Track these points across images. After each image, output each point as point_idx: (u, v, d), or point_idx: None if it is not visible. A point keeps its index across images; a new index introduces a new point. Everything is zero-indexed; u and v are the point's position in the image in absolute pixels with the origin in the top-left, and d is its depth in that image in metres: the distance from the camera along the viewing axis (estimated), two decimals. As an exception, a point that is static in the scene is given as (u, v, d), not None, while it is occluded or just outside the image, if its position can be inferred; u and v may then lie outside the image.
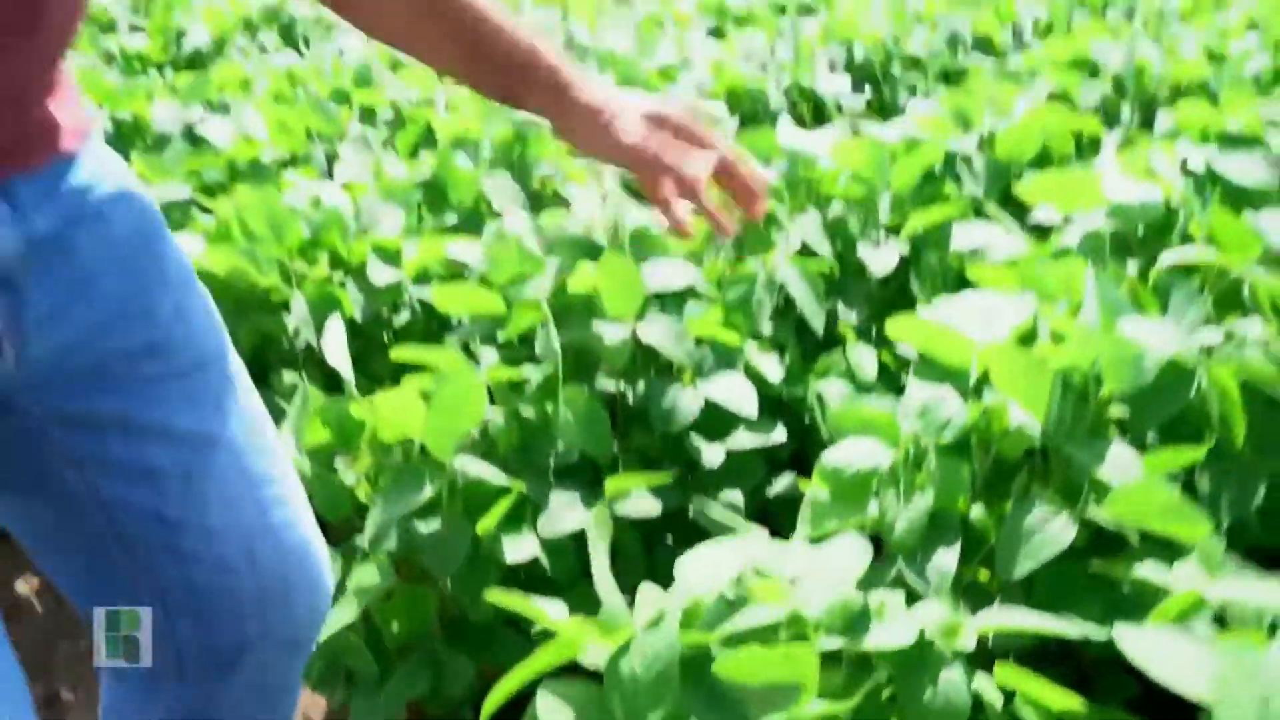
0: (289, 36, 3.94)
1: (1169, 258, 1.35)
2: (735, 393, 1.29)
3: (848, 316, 1.60)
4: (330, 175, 2.11)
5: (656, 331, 1.32)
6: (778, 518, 1.36)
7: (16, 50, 0.67)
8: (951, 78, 2.69)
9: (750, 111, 2.32)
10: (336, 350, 1.24)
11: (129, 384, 0.79)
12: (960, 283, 1.53)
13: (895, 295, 1.65)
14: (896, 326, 1.05)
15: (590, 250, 1.47)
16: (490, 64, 0.94)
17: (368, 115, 2.47)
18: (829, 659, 0.75)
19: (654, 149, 0.91)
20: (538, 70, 0.93)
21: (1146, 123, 2.23)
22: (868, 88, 2.57)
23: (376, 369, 1.60)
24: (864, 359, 1.40)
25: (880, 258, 1.57)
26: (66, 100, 0.76)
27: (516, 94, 0.96)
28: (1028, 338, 1.10)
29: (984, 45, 2.95)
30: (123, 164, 0.82)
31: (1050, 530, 0.88)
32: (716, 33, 3.25)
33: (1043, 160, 1.88)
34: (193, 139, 2.25)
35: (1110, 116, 2.31)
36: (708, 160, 0.92)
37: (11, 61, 0.68)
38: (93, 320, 0.76)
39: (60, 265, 0.73)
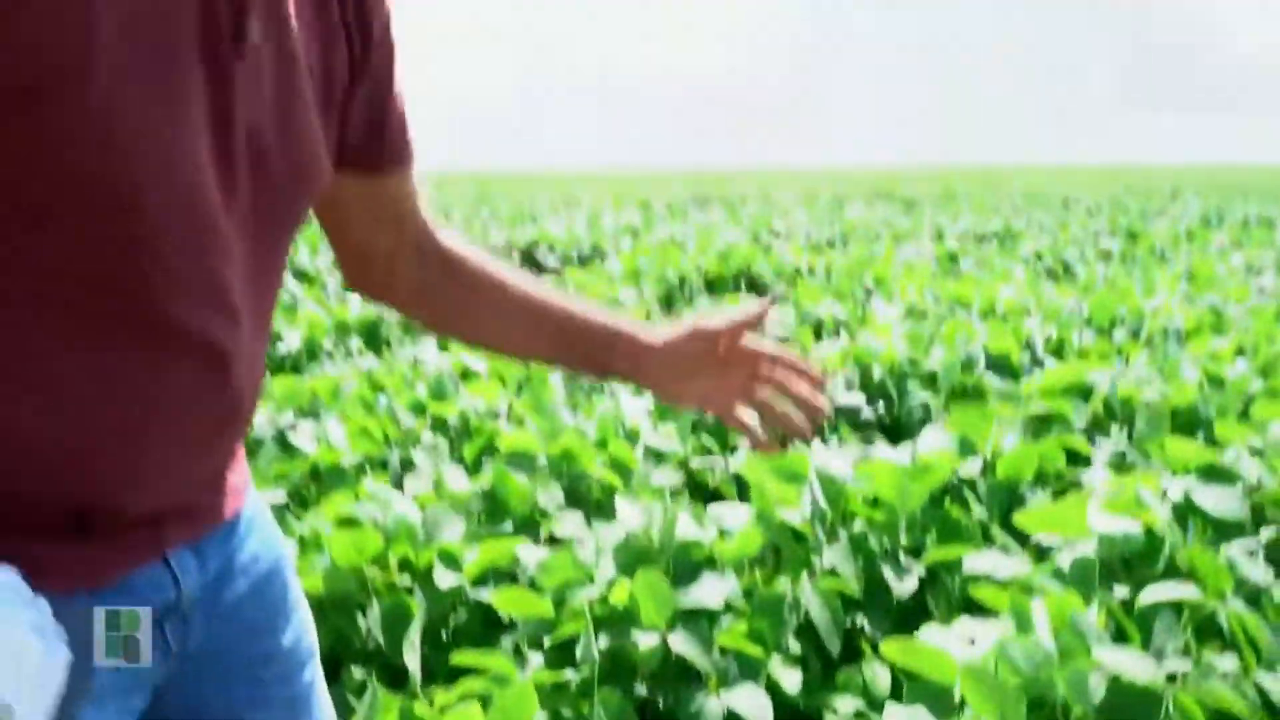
0: (374, 340, 4.36)
1: (1150, 594, 1.51)
2: (754, 705, 1.43)
3: (870, 630, 1.75)
4: (403, 479, 2.36)
5: (686, 642, 1.48)
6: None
7: (224, 435, 0.91)
8: (965, 393, 2.94)
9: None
10: (410, 655, 1.42)
11: (248, 685, 0.98)
12: (970, 602, 1.69)
13: (915, 611, 1.80)
14: (891, 649, 1.22)
15: (638, 558, 1.67)
16: (576, 346, 1.11)
17: (439, 424, 2.76)
18: None
19: (717, 390, 1.07)
20: (616, 342, 1.10)
21: (1134, 441, 2.44)
22: (881, 403, 2.82)
23: (435, 665, 1.76)
24: (879, 675, 1.55)
25: (902, 583, 1.74)
26: (240, 457, 0.99)
27: (601, 366, 1.11)
28: (1008, 660, 1.26)
29: (998, 364, 3.22)
30: (259, 498, 1.04)
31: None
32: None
33: (1040, 479, 2.09)
34: (283, 443, 2.53)
35: (1101, 434, 2.53)
36: (763, 377, 1.06)
37: (222, 445, 0.91)
38: (231, 636, 0.96)
39: (218, 599, 0.94)
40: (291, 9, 0.89)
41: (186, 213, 0.82)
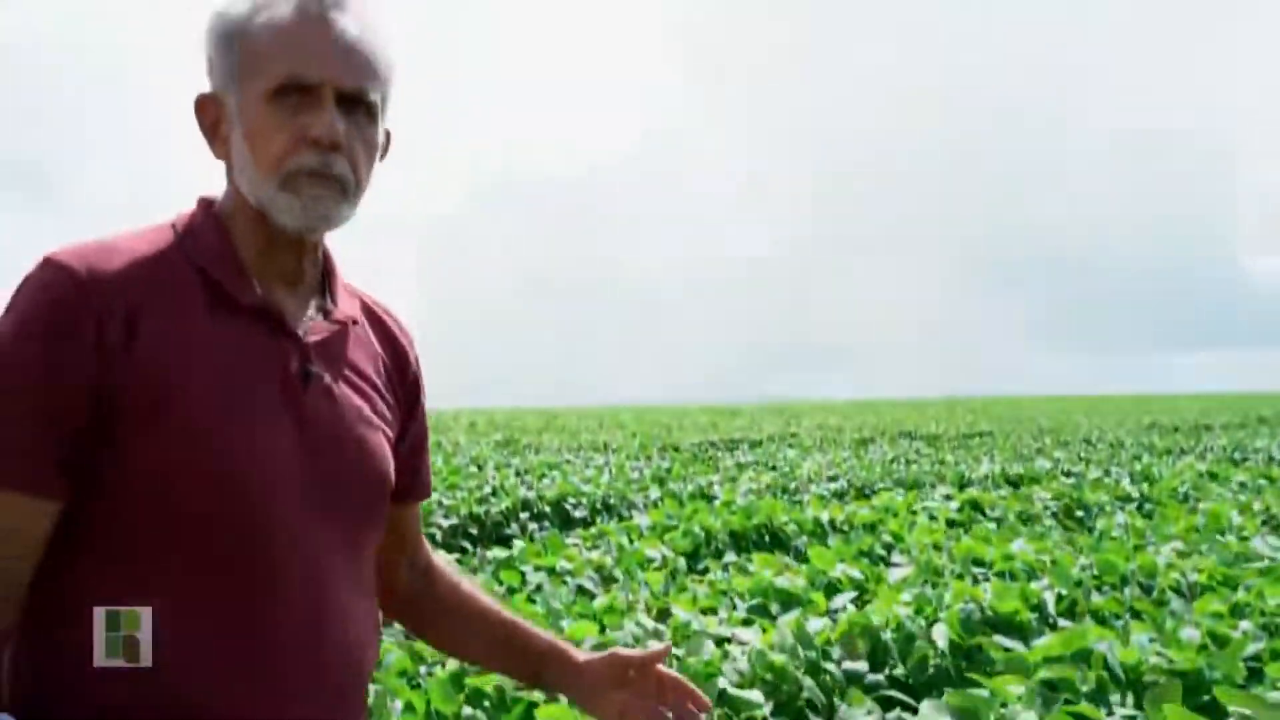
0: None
1: None
2: None
3: None
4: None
5: None
6: None
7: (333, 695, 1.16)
8: (970, 656, 3.07)
9: (789, 694, 2.70)
10: None
11: None
12: None
13: None
14: None
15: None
16: (518, 658, 1.41)
17: None
18: None
19: (628, 709, 1.32)
20: (551, 659, 1.39)
21: (1138, 704, 2.54)
22: (890, 667, 2.95)
23: None
24: None
25: None
26: None
27: (536, 676, 1.40)
28: None
29: (1007, 625, 3.35)
30: None
31: None
32: (762, 610, 3.74)
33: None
34: None
35: (1109, 701, 2.63)
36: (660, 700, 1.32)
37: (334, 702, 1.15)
38: None
39: None
40: (353, 359, 1.24)
41: (280, 499, 1.12)
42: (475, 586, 1.47)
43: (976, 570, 4.63)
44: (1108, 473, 10.28)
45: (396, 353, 1.31)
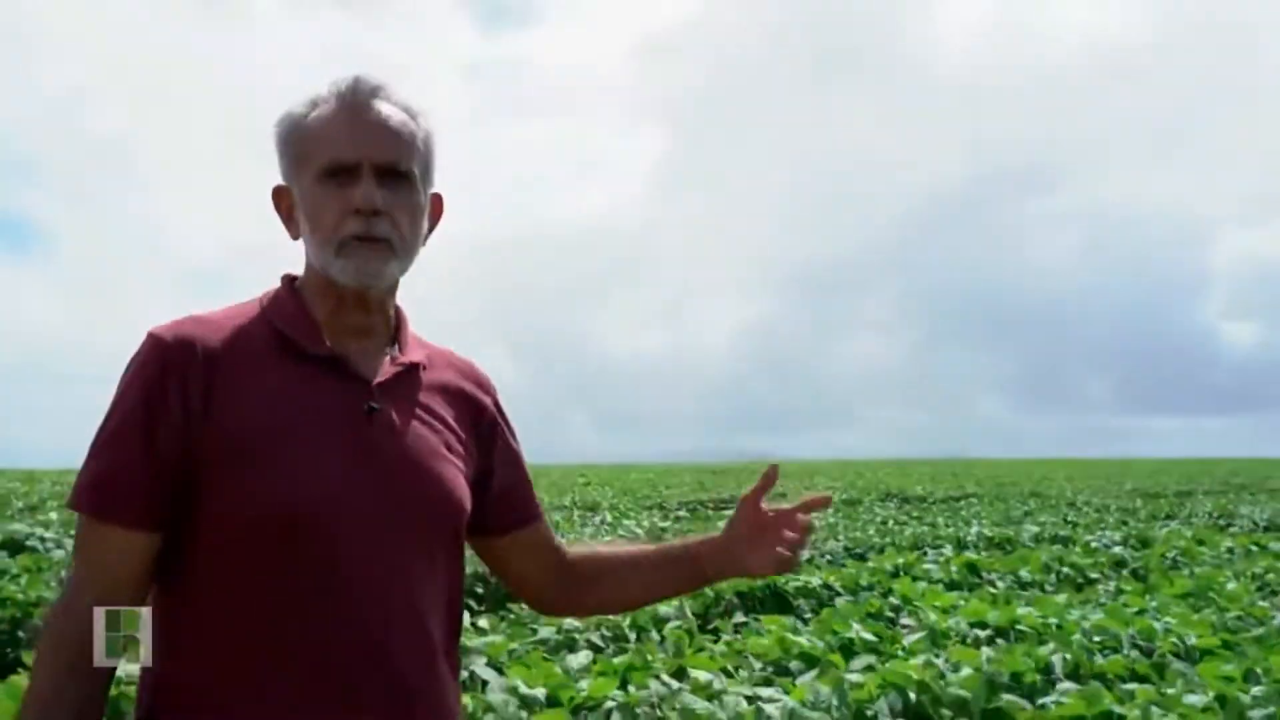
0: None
1: None
2: None
3: None
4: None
5: None
6: None
7: None
8: (994, 716, 3.18)
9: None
10: None
11: None
12: None
13: None
14: None
15: None
16: (674, 578, 1.54)
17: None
18: None
19: (770, 559, 1.48)
20: (698, 557, 1.52)
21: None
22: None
23: None
24: None
25: None
26: None
27: (698, 579, 1.54)
28: None
29: (1017, 687, 3.47)
30: None
31: None
32: (784, 670, 3.85)
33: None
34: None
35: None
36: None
37: None
38: None
39: None
40: (422, 398, 1.38)
41: (343, 525, 1.26)
42: (596, 545, 1.64)
43: (980, 633, 4.74)
44: (1099, 539, 10.42)
45: (471, 397, 1.46)
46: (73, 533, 9.18)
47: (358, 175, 1.30)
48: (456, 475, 1.38)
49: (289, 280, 1.40)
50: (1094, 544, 9.70)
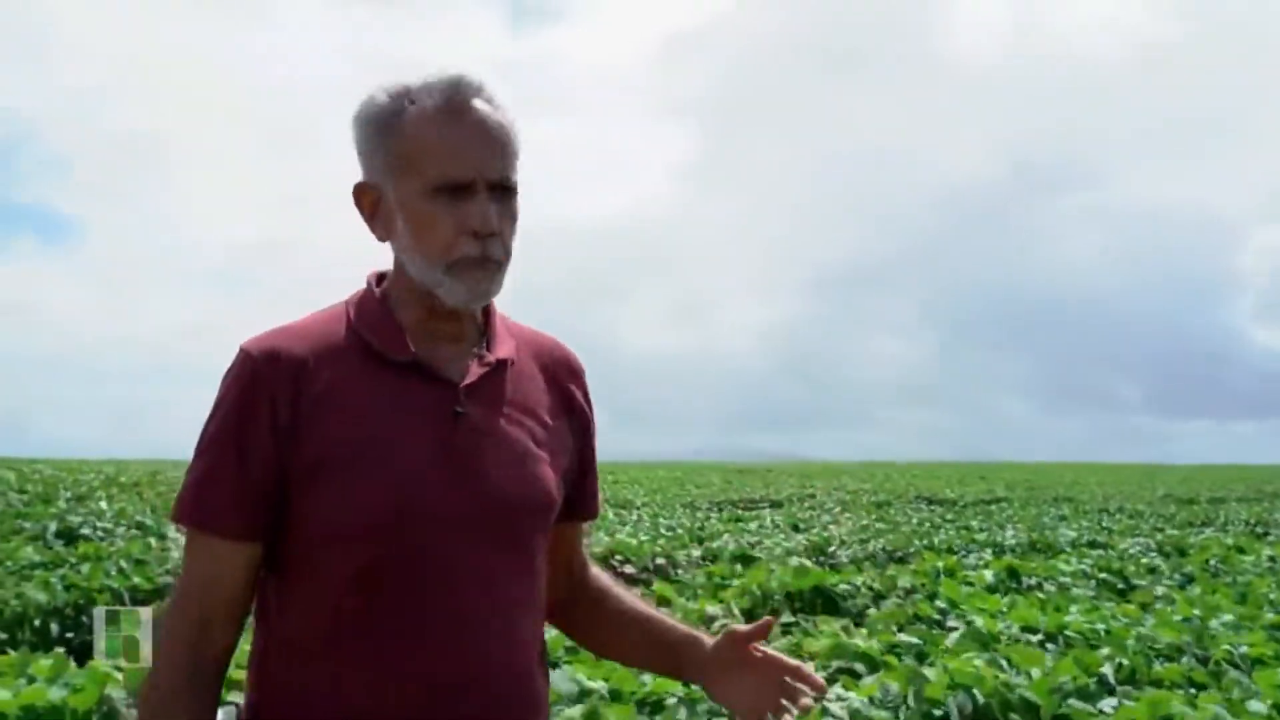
0: None
1: None
2: None
3: None
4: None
5: None
6: None
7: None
8: (1057, 721, 3.24)
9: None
10: None
11: None
12: None
13: None
14: None
15: None
16: (660, 651, 1.44)
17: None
18: None
19: (755, 700, 1.32)
20: (686, 646, 1.41)
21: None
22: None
23: None
24: None
25: None
26: None
27: (679, 668, 1.43)
28: None
29: (1078, 692, 3.51)
30: None
31: None
32: (848, 670, 3.91)
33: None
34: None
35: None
36: (782, 685, 1.32)
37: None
38: None
39: None
40: (511, 394, 1.37)
41: (433, 529, 1.28)
42: (624, 590, 1.54)
43: (1031, 637, 4.78)
44: (1136, 545, 10.39)
45: (560, 384, 1.43)
46: (123, 522, 9.34)
47: (472, 193, 1.26)
48: (545, 473, 1.37)
49: (375, 279, 1.38)
50: (1132, 550, 9.69)
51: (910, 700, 3.05)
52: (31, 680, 3.47)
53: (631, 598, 1.53)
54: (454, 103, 1.27)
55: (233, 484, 1.25)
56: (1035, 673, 3.49)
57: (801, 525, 12.78)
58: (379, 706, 1.25)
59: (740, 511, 15.91)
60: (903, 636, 4.49)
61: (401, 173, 1.27)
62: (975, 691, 3.28)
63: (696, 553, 8.42)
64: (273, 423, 1.25)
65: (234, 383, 1.28)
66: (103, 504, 11.86)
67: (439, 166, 1.25)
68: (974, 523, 13.64)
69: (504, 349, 1.37)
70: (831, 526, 12.18)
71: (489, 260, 1.27)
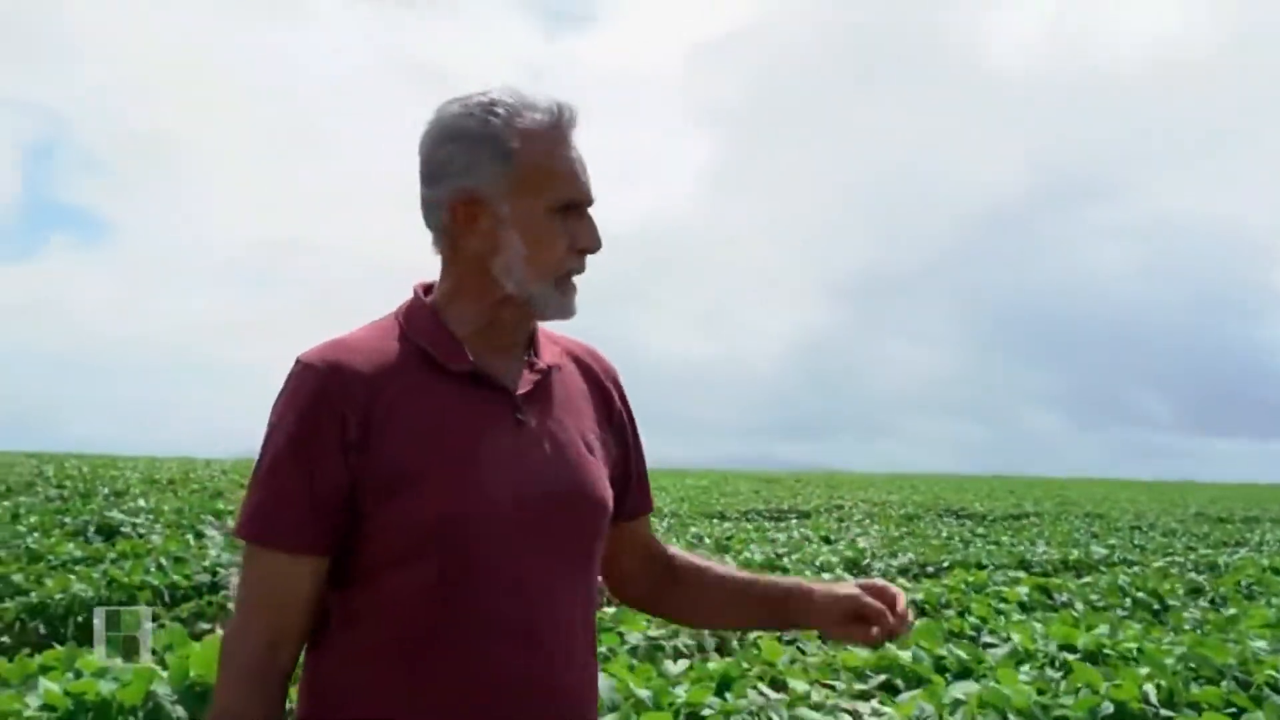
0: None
1: None
2: None
3: None
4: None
5: None
6: None
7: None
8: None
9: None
10: None
11: None
12: None
13: None
14: None
15: None
16: (762, 612, 1.51)
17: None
18: None
19: (856, 630, 1.43)
20: (790, 602, 1.47)
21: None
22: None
23: None
24: None
25: None
26: None
27: (786, 619, 1.49)
28: None
29: (1122, 713, 3.50)
30: None
31: None
32: (887, 685, 3.91)
33: None
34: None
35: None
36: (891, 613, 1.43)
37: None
38: None
39: None
40: (561, 400, 1.42)
41: (500, 538, 1.31)
42: (713, 561, 1.59)
43: (1069, 656, 4.75)
44: (1171, 564, 10.29)
45: (600, 388, 1.47)
46: (160, 519, 9.44)
47: (581, 213, 1.34)
48: (600, 478, 1.40)
49: (421, 291, 1.40)
50: (1168, 569, 9.59)
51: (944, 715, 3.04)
52: (79, 674, 3.54)
53: (726, 566, 1.59)
54: (563, 126, 1.33)
55: (302, 500, 1.25)
56: (1083, 692, 3.48)
57: (832, 537, 12.74)
58: (448, 716, 1.26)
59: (767, 523, 15.87)
60: (950, 650, 4.47)
61: (523, 190, 1.31)
62: (1008, 713, 3.27)
63: (729, 562, 8.42)
64: (342, 438, 1.26)
65: (297, 397, 1.28)
66: (140, 501, 12.01)
67: (563, 188, 1.32)
68: (1004, 538, 13.55)
69: (549, 356, 1.41)
70: (860, 539, 12.13)
71: (577, 275, 1.36)
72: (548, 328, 1.45)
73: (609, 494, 1.41)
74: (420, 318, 1.36)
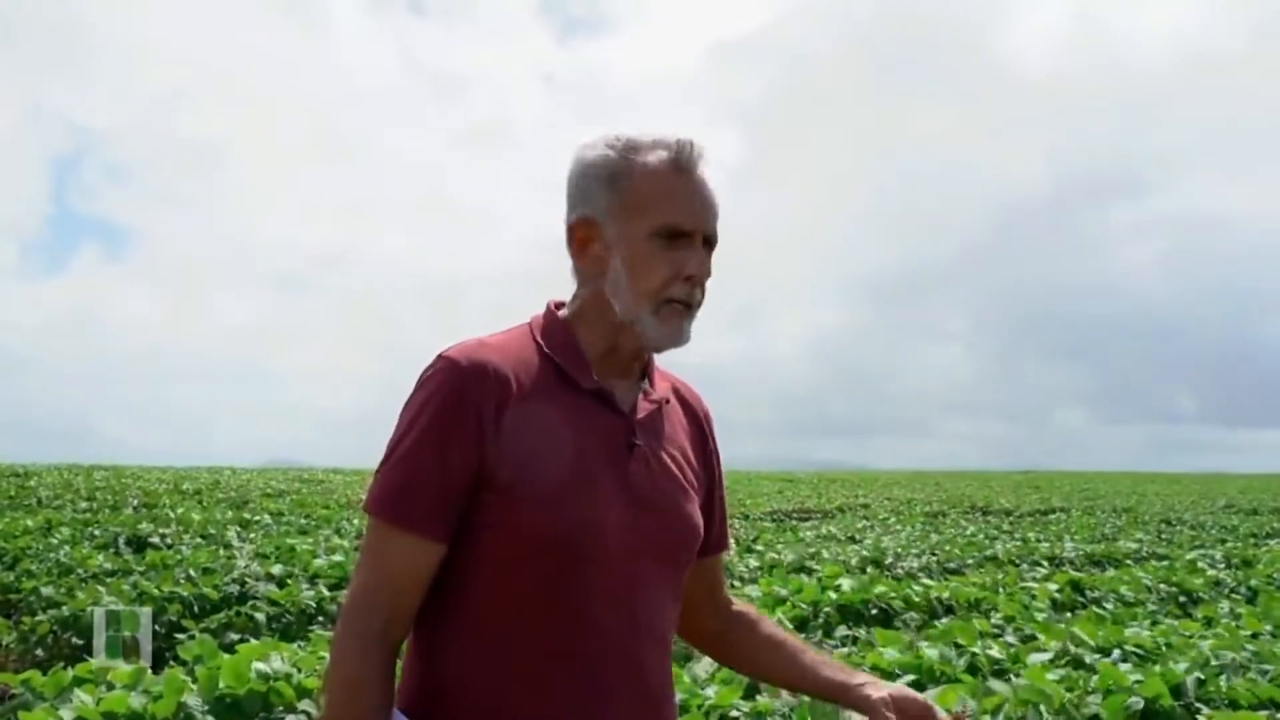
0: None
1: None
2: None
3: None
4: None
5: None
6: None
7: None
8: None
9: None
10: None
11: None
12: None
13: None
14: None
15: None
16: (816, 684, 1.49)
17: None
18: None
19: None
20: (843, 690, 1.45)
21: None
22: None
23: None
24: None
25: None
26: None
27: (835, 692, 1.46)
28: None
29: (1156, 711, 3.47)
30: None
31: None
32: (917, 685, 3.89)
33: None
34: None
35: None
36: None
37: None
38: None
39: None
40: (668, 432, 1.48)
41: (606, 552, 1.35)
42: (772, 625, 1.64)
43: (1099, 655, 4.71)
44: (1202, 557, 10.18)
45: (698, 426, 1.55)
46: (189, 530, 9.51)
47: (691, 242, 1.38)
48: (695, 509, 1.46)
49: (555, 307, 1.47)
50: (1198, 563, 9.50)
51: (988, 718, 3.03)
52: (111, 687, 3.57)
53: (783, 633, 1.61)
54: (683, 160, 1.39)
55: (432, 483, 1.31)
56: (1113, 690, 3.45)
57: (857, 536, 12.69)
58: (543, 714, 1.32)
59: (794, 522, 15.83)
60: (983, 650, 4.45)
61: (628, 215, 1.38)
62: (1042, 709, 3.25)
63: (754, 563, 8.40)
64: (479, 426, 1.32)
65: (441, 387, 1.34)
66: (169, 511, 12.11)
67: (667, 213, 1.38)
68: (1031, 534, 13.46)
69: (662, 388, 1.50)
70: (885, 538, 12.08)
71: (691, 305, 1.40)
72: (659, 361, 1.51)
73: (700, 528, 1.47)
74: (554, 331, 1.44)
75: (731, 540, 1.69)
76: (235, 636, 5.54)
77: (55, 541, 8.91)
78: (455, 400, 1.32)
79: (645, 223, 1.38)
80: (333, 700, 1.32)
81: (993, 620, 5.80)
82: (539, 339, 1.42)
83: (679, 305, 1.39)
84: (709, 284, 1.45)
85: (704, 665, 4.21)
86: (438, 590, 1.37)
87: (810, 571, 8.05)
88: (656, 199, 1.38)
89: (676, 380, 1.57)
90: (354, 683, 1.31)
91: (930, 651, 4.08)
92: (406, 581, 1.33)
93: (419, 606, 1.37)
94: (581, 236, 1.43)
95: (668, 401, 1.50)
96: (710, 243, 1.42)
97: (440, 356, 1.37)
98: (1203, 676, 3.89)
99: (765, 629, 1.61)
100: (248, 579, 6.66)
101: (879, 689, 1.43)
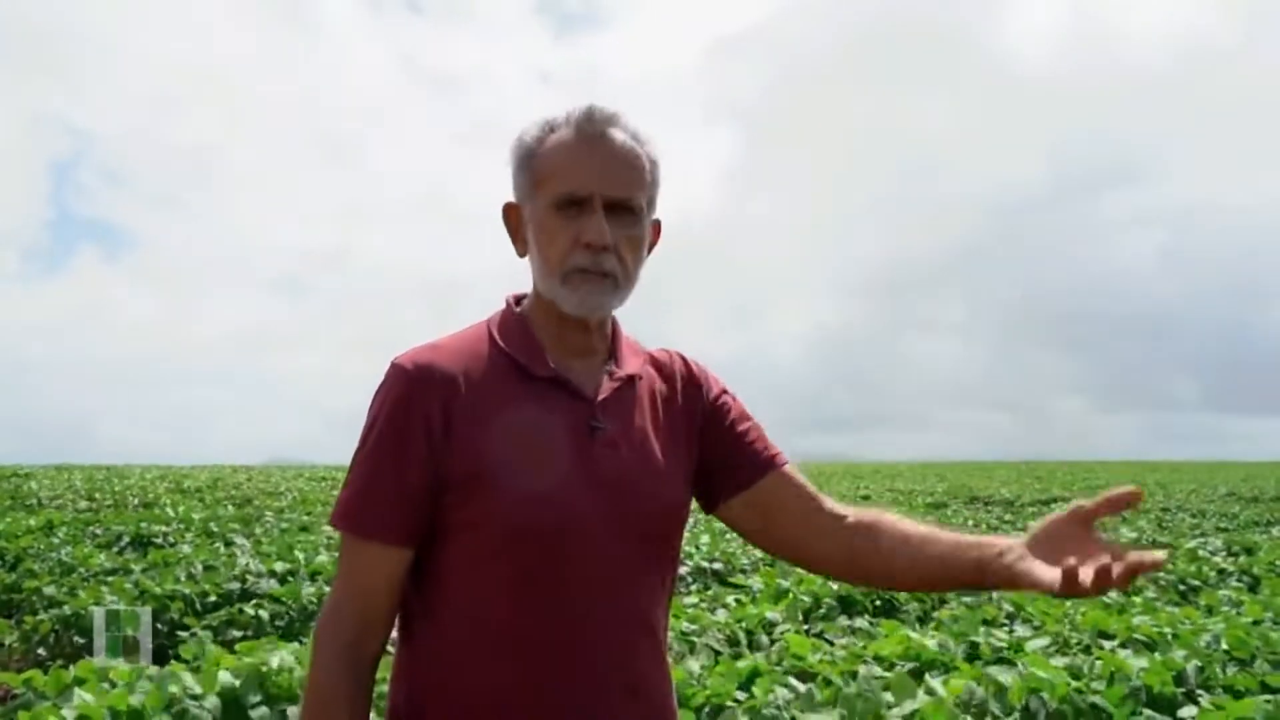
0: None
1: None
2: None
3: None
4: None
5: None
6: None
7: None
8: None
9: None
10: None
11: None
12: None
13: None
14: None
15: None
16: (960, 573, 1.35)
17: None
18: None
19: (1064, 578, 1.17)
20: (988, 562, 1.32)
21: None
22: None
23: None
24: None
25: None
26: None
27: (978, 583, 1.34)
28: None
29: (1156, 699, 3.47)
30: None
31: None
32: (916, 673, 3.89)
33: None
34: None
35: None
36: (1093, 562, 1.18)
37: None
38: None
39: None
40: (640, 408, 1.44)
41: (579, 537, 1.34)
42: (895, 521, 1.47)
43: (1103, 642, 4.72)
44: (1202, 545, 10.19)
45: (684, 388, 1.50)
46: (190, 528, 9.51)
47: (589, 208, 1.35)
48: (671, 482, 1.43)
49: (511, 301, 1.48)
50: (1199, 551, 9.50)
51: (993, 704, 3.03)
52: (113, 685, 3.57)
53: (904, 523, 1.45)
54: (585, 128, 1.37)
55: (392, 492, 1.33)
56: (1114, 677, 3.45)
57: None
58: (530, 711, 1.32)
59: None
60: (983, 638, 4.45)
61: (536, 190, 1.39)
62: (1045, 696, 3.25)
63: (757, 554, 8.41)
64: (427, 431, 1.32)
65: (389, 395, 1.35)
66: (169, 510, 12.11)
67: (562, 182, 1.36)
68: (1033, 523, 13.42)
69: (631, 366, 1.46)
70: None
71: (600, 273, 1.36)
72: (632, 338, 1.51)
73: (679, 503, 1.44)
74: (509, 324, 1.44)
75: (786, 456, 1.53)
76: (237, 634, 5.55)
77: (57, 541, 8.91)
78: (403, 407, 1.33)
79: (546, 195, 1.37)
80: (306, 716, 1.33)
81: (1003, 608, 5.80)
82: (494, 334, 1.42)
83: (588, 274, 1.36)
84: (653, 254, 1.43)
85: (698, 660, 4.21)
86: (419, 594, 1.37)
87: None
88: (557, 171, 1.37)
89: (658, 351, 1.54)
90: (325, 699, 1.32)
91: (930, 641, 4.08)
92: (374, 590, 1.34)
93: (399, 614, 1.38)
94: (512, 221, 1.44)
95: (640, 377, 1.47)
96: (625, 208, 1.37)
97: (390, 364, 1.37)
98: (1197, 664, 3.89)
99: (888, 530, 1.44)
100: (249, 576, 6.66)
101: (1012, 551, 1.31)
